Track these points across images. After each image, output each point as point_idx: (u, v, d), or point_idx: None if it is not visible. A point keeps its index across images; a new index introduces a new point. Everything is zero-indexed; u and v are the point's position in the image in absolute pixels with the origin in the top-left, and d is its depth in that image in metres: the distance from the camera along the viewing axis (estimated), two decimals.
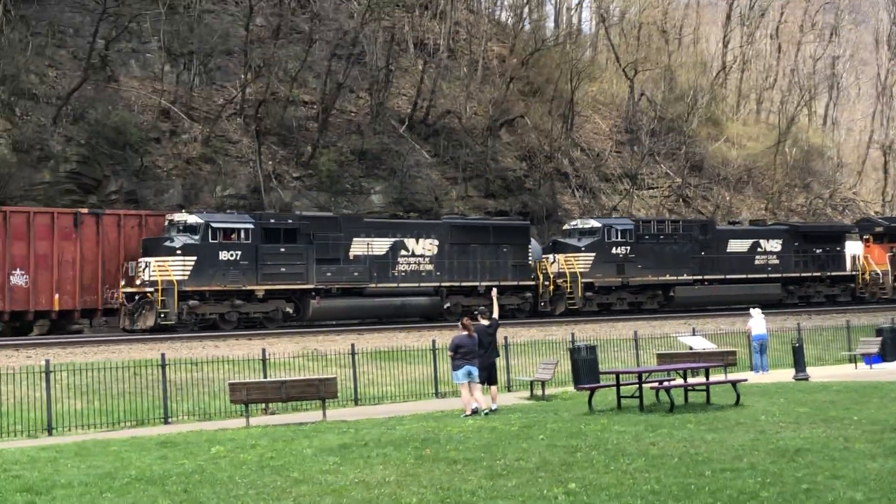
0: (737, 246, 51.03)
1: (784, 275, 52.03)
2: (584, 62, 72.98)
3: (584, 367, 24.13)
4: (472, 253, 43.23)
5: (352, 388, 24.86)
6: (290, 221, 39.18)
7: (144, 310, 35.66)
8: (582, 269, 45.01)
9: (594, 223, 47.14)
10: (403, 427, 17.94)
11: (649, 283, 47.53)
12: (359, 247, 40.44)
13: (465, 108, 61.36)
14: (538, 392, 24.80)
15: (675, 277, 48.07)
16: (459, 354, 20.48)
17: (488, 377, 21.38)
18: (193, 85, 51.41)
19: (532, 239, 46.62)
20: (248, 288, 37.39)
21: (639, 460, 13.48)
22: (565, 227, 49.41)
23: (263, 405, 22.80)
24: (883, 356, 30.36)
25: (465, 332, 20.67)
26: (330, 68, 53.85)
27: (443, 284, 42.39)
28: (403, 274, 41.41)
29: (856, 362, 30.58)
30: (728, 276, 50.00)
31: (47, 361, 22.09)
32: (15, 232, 35.65)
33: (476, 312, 23.13)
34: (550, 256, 45.76)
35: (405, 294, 41.29)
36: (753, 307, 32.14)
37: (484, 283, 42.46)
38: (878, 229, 56.65)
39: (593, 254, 45.74)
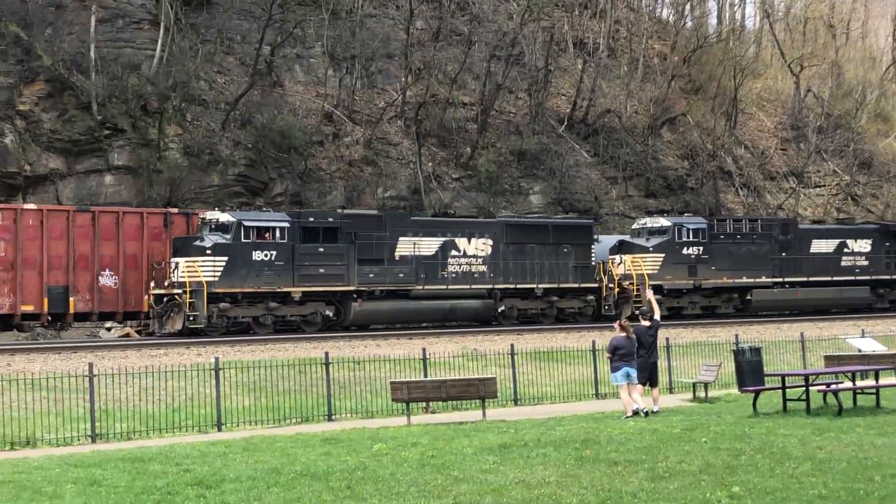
0: (821, 246, 47.76)
1: (874, 277, 48.71)
2: (748, 59, 71.69)
3: (749, 368, 23.63)
4: (530, 253, 40.92)
5: (511, 388, 24.90)
6: (330, 220, 37.21)
7: (173, 312, 34.33)
8: (650, 271, 42.40)
9: (664, 222, 44.30)
10: (563, 428, 17.89)
11: (724, 285, 44.74)
12: (405, 246, 38.38)
13: (626, 107, 60.92)
14: (701, 394, 24.43)
15: (752, 280, 45.27)
16: (618, 356, 20.35)
17: (649, 378, 21.20)
18: (355, 88, 52.32)
19: (595, 238, 44.04)
20: (284, 290, 35.61)
21: (805, 464, 13.17)
22: (633, 226, 46.52)
23: (424, 404, 23.02)
24: None
25: (624, 334, 20.56)
26: (489, 69, 54.14)
27: (496, 287, 40.17)
28: (454, 275, 39.34)
29: None
30: (811, 279, 46.86)
31: (216, 359, 22.62)
32: (104, 233, 35.59)
33: (637, 313, 22.91)
34: (617, 257, 43.13)
35: (455, 297, 39.40)
36: None
37: (542, 286, 40.80)
38: None
39: (662, 254, 43.08)
